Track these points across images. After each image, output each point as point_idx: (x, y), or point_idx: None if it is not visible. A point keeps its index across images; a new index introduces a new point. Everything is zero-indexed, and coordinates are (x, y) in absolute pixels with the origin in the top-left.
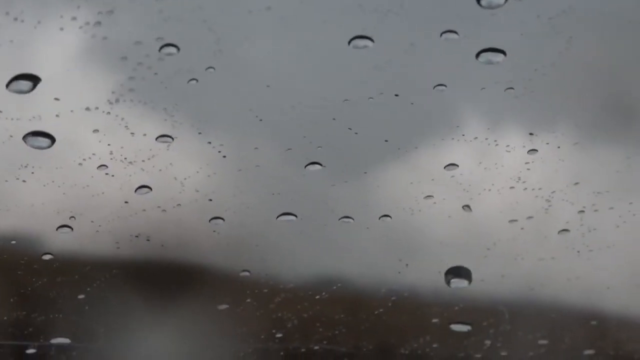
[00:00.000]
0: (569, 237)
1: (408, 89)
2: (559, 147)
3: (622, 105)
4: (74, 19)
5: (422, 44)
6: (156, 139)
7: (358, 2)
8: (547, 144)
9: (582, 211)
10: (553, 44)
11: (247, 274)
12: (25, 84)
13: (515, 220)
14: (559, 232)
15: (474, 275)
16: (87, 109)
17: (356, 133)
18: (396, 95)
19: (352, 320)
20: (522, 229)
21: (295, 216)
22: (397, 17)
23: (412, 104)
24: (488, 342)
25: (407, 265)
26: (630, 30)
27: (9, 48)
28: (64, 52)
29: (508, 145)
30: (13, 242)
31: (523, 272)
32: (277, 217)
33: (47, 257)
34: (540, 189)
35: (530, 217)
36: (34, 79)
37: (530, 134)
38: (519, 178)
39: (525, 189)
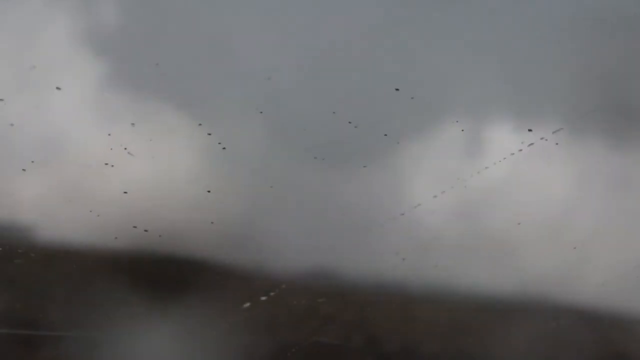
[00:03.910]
0: (564, 233)
1: (408, 83)
2: (557, 144)
3: (620, 101)
4: (79, 5)
5: (424, 39)
6: (157, 129)
7: None
8: (546, 140)
9: (578, 206)
10: (552, 38)
11: (243, 265)
12: None
13: (512, 217)
14: (555, 227)
15: (470, 272)
16: (89, 97)
17: (356, 127)
18: (396, 89)
19: (346, 313)
20: (518, 224)
21: None
22: (401, 12)
23: (412, 98)
24: (480, 337)
25: (403, 259)
26: (629, 26)
27: (15, 34)
28: (69, 38)
29: (506, 140)
30: (10, 230)
31: (517, 268)
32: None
33: (44, 246)
34: (536, 184)
35: (526, 213)
36: None
37: (529, 130)
38: (516, 173)
39: (522, 184)
